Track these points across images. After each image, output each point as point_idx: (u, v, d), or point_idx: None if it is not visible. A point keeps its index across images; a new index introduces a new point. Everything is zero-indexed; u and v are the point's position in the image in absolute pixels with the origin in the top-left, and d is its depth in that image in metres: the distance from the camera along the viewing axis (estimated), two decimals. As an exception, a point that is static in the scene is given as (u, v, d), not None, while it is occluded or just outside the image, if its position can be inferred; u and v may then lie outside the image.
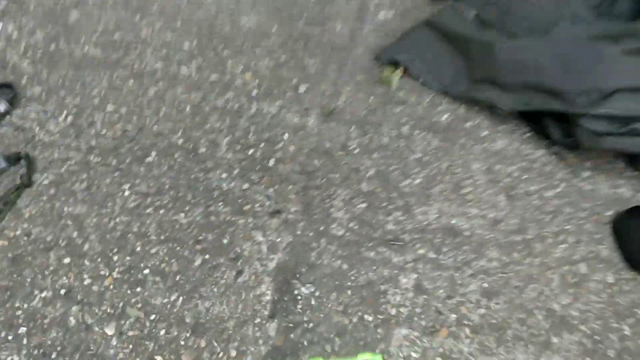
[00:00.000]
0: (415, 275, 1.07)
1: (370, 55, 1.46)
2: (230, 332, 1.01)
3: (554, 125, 1.19)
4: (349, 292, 1.06)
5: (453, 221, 1.14)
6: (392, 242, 1.11)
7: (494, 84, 1.25)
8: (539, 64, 1.16)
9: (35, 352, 0.99)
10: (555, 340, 1.00)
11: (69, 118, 1.33)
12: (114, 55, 1.46)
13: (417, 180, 1.20)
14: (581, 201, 1.15)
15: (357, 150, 1.27)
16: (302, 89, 1.40)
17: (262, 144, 1.29)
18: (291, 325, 1.02)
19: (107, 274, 1.08)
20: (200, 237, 1.14)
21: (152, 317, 1.03)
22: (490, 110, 1.31)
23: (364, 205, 1.17)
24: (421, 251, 1.10)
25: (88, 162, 1.25)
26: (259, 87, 1.40)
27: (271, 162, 1.26)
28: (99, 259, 1.10)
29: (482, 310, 1.03)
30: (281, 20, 1.55)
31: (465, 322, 1.01)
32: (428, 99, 1.35)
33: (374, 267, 1.09)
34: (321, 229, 1.15)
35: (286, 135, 1.30)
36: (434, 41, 1.41)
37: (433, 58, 1.38)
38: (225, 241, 1.13)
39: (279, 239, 1.13)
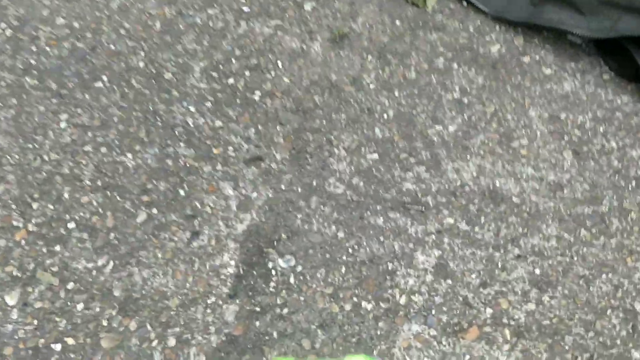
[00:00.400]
0: (438, 252, 0.83)
1: (401, -30, 1.22)
2: (172, 313, 0.79)
3: (647, 59, 0.92)
4: (343, 269, 0.82)
5: (497, 183, 0.89)
6: (410, 206, 0.87)
7: (565, 2, 0.98)
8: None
9: None
10: (636, 355, 0.74)
11: (8, 31, 1.12)
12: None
13: (452, 128, 0.96)
14: (681, 165, 0.89)
15: (372, 86, 1.03)
16: (307, 6, 1.16)
17: (247, 73, 1.05)
18: (258, 309, 0.80)
19: (21, 225, 0.87)
20: (148, 186, 0.92)
21: (70, 285, 0.81)
22: (557, 41, 1.05)
23: (374, 156, 0.93)
24: (449, 220, 0.86)
25: (22, 84, 1.04)
26: (251, 3, 1.16)
27: (256, 96, 1.02)
28: (14, 206, 0.89)
29: (531, 306, 0.78)
30: None
31: (506, 320, 0.77)
32: (474, 25, 1.10)
33: (381, 238, 0.85)
34: (314, 183, 0.92)
35: (280, 63, 1.07)
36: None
37: (484, -30, 1.13)
38: (182, 193, 0.91)
39: (254, 194, 0.90)
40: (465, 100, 1.00)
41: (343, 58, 1.08)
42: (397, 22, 1.12)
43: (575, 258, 0.82)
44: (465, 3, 1.13)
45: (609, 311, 0.78)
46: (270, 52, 1.09)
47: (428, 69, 1.04)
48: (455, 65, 1.04)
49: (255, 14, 1.16)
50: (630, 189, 0.87)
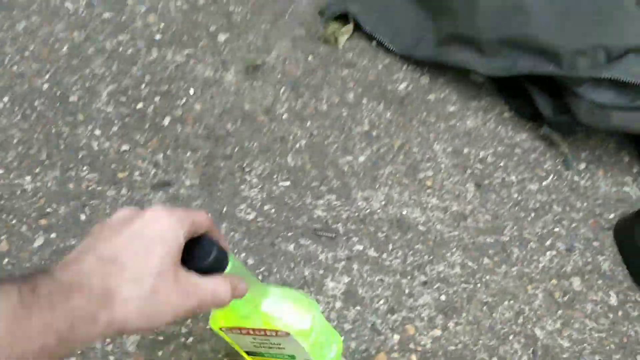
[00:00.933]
0: (347, 279, 0.82)
1: (314, 9, 1.24)
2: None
3: (543, 99, 0.97)
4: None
5: (404, 211, 0.89)
6: (321, 233, 0.86)
7: (469, 43, 1.03)
8: (528, 11, 0.95)
9: None
10: (537, 378, 0.76)
11: None
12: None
13: (362, 158, 0.96)
14: (575, 199, 0.93)
15: (285, 116, 1.02)
16: (221, 37, 1.15)
17: (157, 98, 1.03)
18: (161, 338, 0.75)
19: None
20: (48, 210, 0.87)
21: None
22: (461, 81, 1.09)
23: (287, 183, 0.92)
24: (359, 247, 0.85)
25: None
26: (164, 31, 1.14)
27: (166, 121, 1.00)
28: None
29: (437, 332, 0.78)
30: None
31: (412, 346, 0.77)
32: (383, 63, 1.13)
33: (292, 264, 0.83)
34: (224, 210, 0.89)
35: (192, 91, 1.05)
36: (394, -9, 1.20)
37: (392, 12, 1.16)
38: (83, 217, 0.86)
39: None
40: (374, 133, 1.01)
41: (256, 89, 1.07)
42: (310, 58, 1.13)
43: (479, 285, 0.83)
44: (374, 43, 1.16)
45: (511, 337, 0.79)
46: (182, 79, 1.07)
47: (339, 103, 1.05)
48: (364, 100, 1.06)
49: (168, 42, 1.14)
50: (529, 219, 0.90)
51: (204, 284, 0.44)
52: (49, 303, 0.35)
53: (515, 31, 0.97)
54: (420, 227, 0.89)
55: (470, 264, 0.85)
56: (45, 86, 1.04)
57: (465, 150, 1.00)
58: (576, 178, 0.97)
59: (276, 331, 0.56)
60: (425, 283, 0.82)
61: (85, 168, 0.92)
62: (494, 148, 1.00)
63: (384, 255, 0.85)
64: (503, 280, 0.84)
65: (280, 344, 0.60)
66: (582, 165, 0.99)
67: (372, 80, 1.10)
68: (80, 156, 0.94)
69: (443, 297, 0.81)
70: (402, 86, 1.09)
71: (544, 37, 0.94)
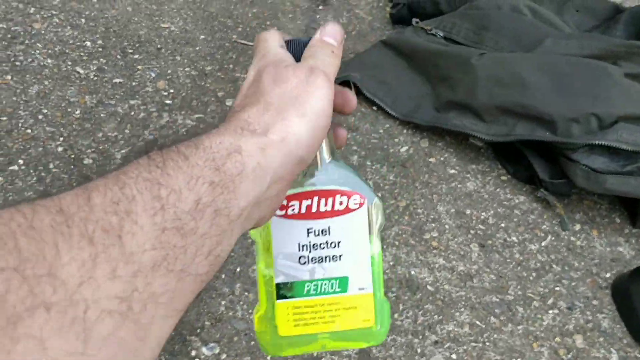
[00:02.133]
0: (361, 338, 0.84)
1: (316, 75, 1.29)
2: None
3: (540, 163, 1.02)
4: (269, 357, 0.81)
5: (413, 271, 0.93)
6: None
7: (467, 109, 1.08)
8: (525, 81, 1.01)
9: None
10: None
11: None
12: (-8, 45, 1.23)
13: (368, 220, 0.99)
14: (573, 259, 0.97)
15: (292, 179, 1.05)
16: (228, 103, 1.20)
17: (170, 161, 1.05)
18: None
19: None
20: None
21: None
22: (460, 145, 1.14)
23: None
24: (370, 307, 0.87)
25: None
26: (174, 96, 1.18)
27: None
28: None
29: (450, 391, 0.80)
30: (212, 30, 1.37)
31: (428, 405, 0.78)
32: (384, 127, 1.18)
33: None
34: (237, 269, 0.91)
35: (203, 154, 1.07)
36: (393, 59, 1.26)
37: (392, 79, 1.22)
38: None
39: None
40: (379, 195, 1.04)
41: (263, 152, 1.11)
42: (314, 121, 1.17)
43: (487, 344, 0.86)
44: (375, 108, 1.21)
45: (520, 394, 0.81)
46: (192, 143, 1.10)
47: (344, 165, 1.09)
48: (368, 162, 1.10)
49: (178, 107, 1.18)
50: (531, 278, 0.94)
51: (306, 55, 0.40)
52: (181, 155, 0.30)
53: (513, 100, 1.02)
54: (429, 287, 0.91)
55: (478, 323, 0.88)
56: (60, 149, 1.06)
57: (468, 212, 1.04)
58: (573, 238, 1.01)
59: (348, 196, 0.44)
60: (436, 342, 0.85)
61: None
62: (494, 209, 1.04)
63: (395, 315, 0.87)
64: (510, 338, 0.86)
65: (339, 244, 0.45)
66: (578, 227, 1.03)
67: (375, 143, 1.15)
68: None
69: (454, 356, 0.83)
70: (404, 149, 1.14)
71: (540, 106, 0.99)
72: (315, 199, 0.44)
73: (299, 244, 0.44)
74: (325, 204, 0.44)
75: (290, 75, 0.36)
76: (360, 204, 0.44)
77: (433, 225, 1.00)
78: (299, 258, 0.44)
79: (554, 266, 0.97)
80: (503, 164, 1.10)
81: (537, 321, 0.89)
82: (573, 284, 0.94)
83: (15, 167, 1.02)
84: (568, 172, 0.98)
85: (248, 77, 0.39)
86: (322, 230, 0.44)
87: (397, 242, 0.97)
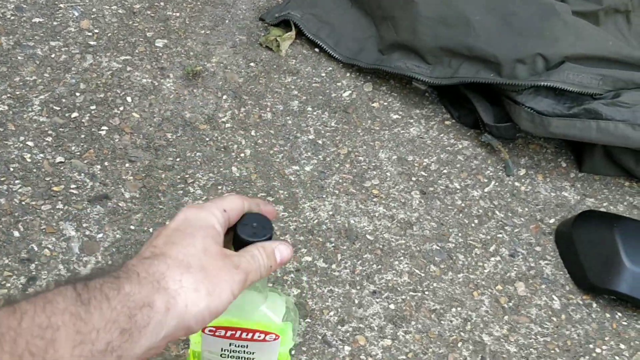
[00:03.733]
0: (297, 291, 0.80)
1: (255, 14, 1.22)
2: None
3: (484, 106, 0.98)
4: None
5: (352, 221, 0.89)
6: (267, 245, 0.84)
7: (410, 51, 1.04)
8: (470, 21, 0.96)
9: None
10: (486, 385, 0.76)
11: None
12: None
13: (308, 168, 0.95)
14: (516, 205, 0.95)
15: (228, 125, 1.00)
16: (159, 43, 1.12)
17: (93, 107, 0.99)
18: None
19: None
20: (-23, 226, 0.81)
21: None
22: (403, 89, 1.10)
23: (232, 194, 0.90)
24: (307, 258, 0.84)
25: None
26: (99, 37, 1.10)
27: (102, 131, 0.96)
28: None
29: (387, 342, 0.78)
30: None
31: (364, 357, 0.76)
32: (325, 70, 1.12)
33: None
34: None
35: (129, 99, 1.01)
36: (334, -1, 1.19)
37: (335, 19, 1.16)
38: (16, 234, 0.81)
39: (100, 235, 0.83)
40: (320, 142, 1.00)
41: (197, 96, 1.04)
42: (252, 64, 1.11)
43: (427, 292, 0.83)
44: (317, 50, 1.15)
45: (459, 344, 0.79)
46: (118, 87, 1.03)
47: (283, 111, 1.04)
48: (309, 108, 1.05)
49: (103, 48, 1.10)
50: (473, 226, 0.91)
51: (244, 254, 0.45)
52: (104, 295, 0.35)
53: (456, 40, 0.98)
54: (368, 237, 0.88)
55: (417, 271, 0.85)
56: (-29, 95, 0.98)
57: (410, 158, 1.00)
58: (517, 184, 0.99)
59: (266, 334, 0.55)
60: (374, 292, 0.82)
61: (17, 182, 0.87)
62: (437, 155, 1.01)
63: (333, 266, 0.84)
64: (450, 287, 0.84)
65: (253, 353, 0.58)
66: (522, 171, 1.01)
67: (316, 87, 1.09)
68: (11, 169, 0.89)
69: (392, 306, 0.81)
70: (346, 94, 1.09)
71: (484, 46, 0.95)
72: (239, 332, 0.55)
73: (222, 348, 0.58)
74: (247, 335, 0.56)
75: (219, 258, 0.42)
76: (275, 338, 0.56)
77: (374, 173, 0.97)
78: (221, 354, 0.59)
79: (497, 212, 0.94)
80: (447, 108, 1.07)
81: (478, 269, 0.87)
82: (516, 230, 0.93)
83: None
84: (513, 115, 0.95)
85: (178, 219, 0.44)
86: (241, 345, 0.57)
87: (336, 191, 0.93)
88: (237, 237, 0.48)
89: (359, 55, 1.10)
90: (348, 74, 1.12)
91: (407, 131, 1.04)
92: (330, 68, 1.13)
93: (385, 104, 1.08)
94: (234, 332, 0.57)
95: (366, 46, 1.11)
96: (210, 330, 0.57)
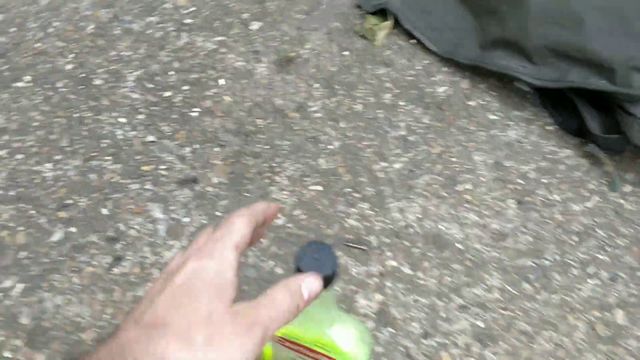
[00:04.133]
0: (380, 297, 0.77)
1: (351, 0, 1.18)
2: (87, 347, 0.69)
3: (592, 114, 0.91)
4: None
5: (441, 226, 0.84)
6: (352, 245, 0.81)
7: (515, 48, 0.97)
8: (583, 20, 0.89)
9: None
10: (577, 418, 0.71)
11: None
12: (2, -55, 1.13)
13: (397, 165, 0.91)
14: (620, 224, 0.88)
15: (318, 115, 0.97)
16: (254, 26, 1.10)
17: (186, 87, 0.97)
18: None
19: None
20: (68, 201, 0.82)
21: (-35, 311, 0.70)
22: (504, 89, 1.04)
23: (318, 187, 0.87)
24: (392, 262, 0.80)
25: None
26: (195, 15, 1.08)
27: (194, 113, 0.94)
28: None
29: (473, 361, 0.73)
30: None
31: (447, 375, 0.72)
32: (422, 64, 1.07)
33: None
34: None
35: (222, 81, 0.99)
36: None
37: (435, 9, 1.10)
38: (104, 211, 0.81)
39: (186, 219, 0.81)
40: (411, 139, 0.96)
41: (289, 83, 1.02)
42: (346, 53, 1.08)
43: (518, 313, 0.78)
44: (414, 41, 1.10)
45: (549, 369, 0.74)
46: (212, 68, 1.02)
47: (375, 103, 1.00)
48: (401, 102, 1.00)
49: (198, 27, 1.08)
50: (572, 243, 0.85)
51: (264, 300, 0.38)
52: None
53: (568, 40, 0.91)
54: (458, 245, 0.84)
55: (509, 288, 0.80)
56: (69, 67, 0.98)
57: (507, 164, 0.94)
58: (621, 201, 0.92)
59: None
60: (462, 307, 0.78)
61: (108, 158, 0.87)
62: (536, 163, 0.95)
63: (419, 274, 0.80)
64: (543, 308, 0.79)
65: None
66: (628, 188, 0.94)
67: (410, 81, 1.05)
68: (103, 145, 0.88)
69: (480, 324, 0.76)
70: (442, 90, 1.04)
71: (598, 49, 0.88)
72: (304, 349, 0.54)
73: (290, 357, 0.58)
74: (312, 354, 0.54)
75: (229, 320, 0.35)
76: None
77: (467, 176, 0.92)
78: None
79: (598, 231, 0.88)
80: (550, 112, 1.00)
81: (574, 291, 0.81)
82: (618, 252, 0.86)
83: (21, 84, 0.95)
84: (623, 126, 0.88)
85: (186, 272, 0.37)
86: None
87: (426, 193, 0.89)
88: (299, 271, 0.43)
89: (458, 49, 1.05)
90: (444, 69, 1.07)
91: (505, 134, 0.98)
92: (427, 61, 1.08)
93: (482, 102, 1.02)
94: (299, 347, 0.54)
95: (466, 40, 1.06)
96: (279, 339, 0.55)
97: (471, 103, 1.02)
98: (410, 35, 1.11)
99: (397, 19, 1.11)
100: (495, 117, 1.01)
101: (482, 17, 1.06)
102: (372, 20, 1.13)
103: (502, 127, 0.99)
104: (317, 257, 0.43)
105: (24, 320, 0.71)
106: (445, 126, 0.99)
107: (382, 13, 1.15)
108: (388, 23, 1.12)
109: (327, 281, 0.43)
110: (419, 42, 1.10)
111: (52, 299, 0.73)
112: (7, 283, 0.74)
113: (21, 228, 0.80)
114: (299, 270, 0.42)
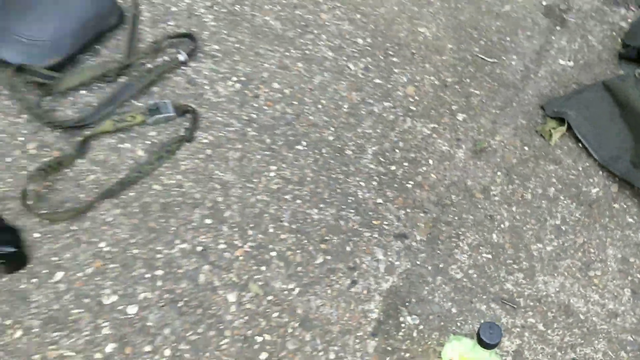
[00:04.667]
0: (518, 342, 1.19)
1: (537, 101, 1.56)
2: (334, 335, 1.19)
3: None
4: (452, 336, 1.20)
5: (572, 300, 1.24)
6: (506, 302, 1.23)
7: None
8: None
9: (166, 295, 1.21)
10: None
11: (237, 85, 1.53)
12: (291, 33, 1.64)
13: (549, 248, 1.31)
14: None
15: (497, 198, 1.38)
16: (460, 117, 1.52)
17: (406, 164, 1.43)
18: (389, 349, 1.19)
19: (240, 245, 1.28)
20: (326, 237, 1.32)
21: (269, 298, 1.22)
22: (644, 199, 1.38)
23: (489, 256, 1.30)
24: (531, 320, 1.22)
25: (245, 133, 1.45)
26: (417, 104, 1.53)
27: (409, 184, 1.40)
28: (236, 229, 1.30)
29: (573, 397, 1.14)
30: (458, 39, 1.66)
31: (554, 403, 1.13)
32: (583, 166, 1.44)
33: (482, 321, 1.22)
34: (440, 266, 1.29)
35: (431, 161, 1.44)
36: (608, 106, 1.49)
37: (602, 125, 1.46)
38: (347, 248, 1.30)
39: (397, 263, 1.28)
40: (563, 228, 1.34)
41: (479, 168, 1.44)
42: (526, 148, 1.47)
43: (613, 371, 1.17)
44: (580, 145, 1.47)
45: (626, 415, 1.13)
46: (424, 149, 1.47)
47: (541, 195, 1.39)
48: (562, 197, 1.39)
49: (419, 114, 1.53)
50: (666, 331, 1.21)
51: None
52: None
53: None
54: (581, 315, 1.23)
55: (610, 354, 1.19)
56: (331, 137, 1.48)
57: (632, 259, 1.31)
58: None
59: None
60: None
61: (352, 211, 1.36)
62: (656, 264, 1.30)
63: (549, 331, 1.21)
64: (633, 373, 1.17)
65: None
66: None
67: (572, 180, 1.42)
68: (349, 201, 1.37)
69: (584, 374, 1.16)
70: (595, 190, 1.40)
71: None
72: None
73: None
74: None
75: None
76: None
77: (599, 265, 1.30)
78: None
79: (691, 325, 1.22)
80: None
81: (659, 366, 1.18)
82: (702, 344, 1.20)
83: (300, 147, 1.46)
84: None
85: None
86: None
87: (566, 273, 1.28)
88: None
89: (615, 162, 1.40)
90: (600, 173, 1.43)
91: (637, 235, 1.34)
92: (587, 164, 1.44)
93: (625, 206, 1.38)
94: None
95: (622, 156, 1.41)
96: None
97: (615, 205, 1.39)
98: (578, 140, 1.48)
99: (571, 125, 1.48)
100: (632, 220, 1.37)
101: (637, 141, 1.41)
102: (551, 123, 1.51)
103: (636, 229, 1.35)
104: (491, 333, 0.88)
105: (299, 311, 1.23)
106: (591, 222, 1.36)
107: (559, 118, 1.52)
108: (563, 128, 1.50)
109: None
110: (584, 148, 1.47)
111: (315, 301, 1.24)
112: (290, 285, 1.26)
113: (298, 251, 1.31)
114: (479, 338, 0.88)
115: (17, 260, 1.19)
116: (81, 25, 1.44)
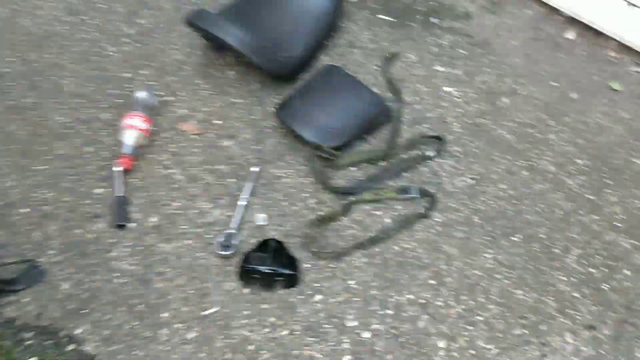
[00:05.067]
0: None
1: None
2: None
3: None
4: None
5: None
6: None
7: None
8: None
9: (392, 330, 1.61)
10: None
11: (470, 181, 1.93)
12: (521, 146, 2.02)
13: None
14: None
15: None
16: None
17: (605, 269, 1.71)
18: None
19: (454, 305, 1.65)
20: (525, 315, 1.64)
21: (472, 351, 1.57)
22: None
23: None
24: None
25: (470, 219, 1.84)
26: (622, 222, 1.81)
27: (605, 287, 1.68)
28: (453, 293, 1.68)
29: None
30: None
31: None
32: None
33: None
34: (621, 359, 1.54)
35: (627, 272, 1.70)
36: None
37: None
38: (542, 327, 1.61)
39: (584, 348, 1.56)
40: None
41: (671, 286, 1.66)
42: None
43: None
44: None
45: None
46: (622, 260, 1.73)
47: None
48: None
49: (623, 230, 1.80)
50: None
51: None
52: None
53: None
54: None
55: None
56: (542, 236, 1.80)
57: None
58: None
59: None
60: None
61: (551, 298, 1.66)
62: None
63: None
64: None
65: None
66: None
67: None
68: (550, 289, 1.68)
69: None
70: None
71: None
72: None
73: None
74: None
75: None
76: None
77: None
78: None
79: None
80: None
81: None
82: None
83: (515, 239, 1.80)
84: None
85: None
86: None
87: None
88: None
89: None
90: None
91: None
92: None
93: None
94: None
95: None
96: None
97: None
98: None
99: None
100: None
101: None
102: None
103: None
104: None
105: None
106: None
107: None
108: None
109: None
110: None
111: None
112: (490, 346, 1.59)
113: (500, 320, 1.64)
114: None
115: (292, 281, 1.67)
116: (362, 121, 1.97)
